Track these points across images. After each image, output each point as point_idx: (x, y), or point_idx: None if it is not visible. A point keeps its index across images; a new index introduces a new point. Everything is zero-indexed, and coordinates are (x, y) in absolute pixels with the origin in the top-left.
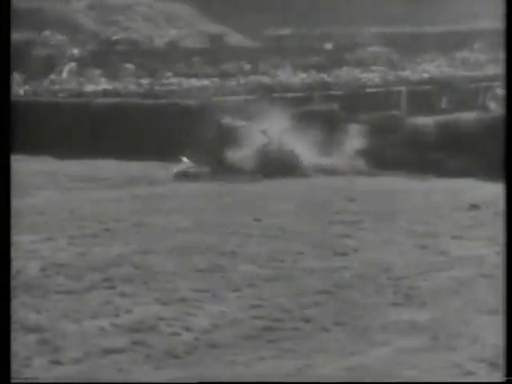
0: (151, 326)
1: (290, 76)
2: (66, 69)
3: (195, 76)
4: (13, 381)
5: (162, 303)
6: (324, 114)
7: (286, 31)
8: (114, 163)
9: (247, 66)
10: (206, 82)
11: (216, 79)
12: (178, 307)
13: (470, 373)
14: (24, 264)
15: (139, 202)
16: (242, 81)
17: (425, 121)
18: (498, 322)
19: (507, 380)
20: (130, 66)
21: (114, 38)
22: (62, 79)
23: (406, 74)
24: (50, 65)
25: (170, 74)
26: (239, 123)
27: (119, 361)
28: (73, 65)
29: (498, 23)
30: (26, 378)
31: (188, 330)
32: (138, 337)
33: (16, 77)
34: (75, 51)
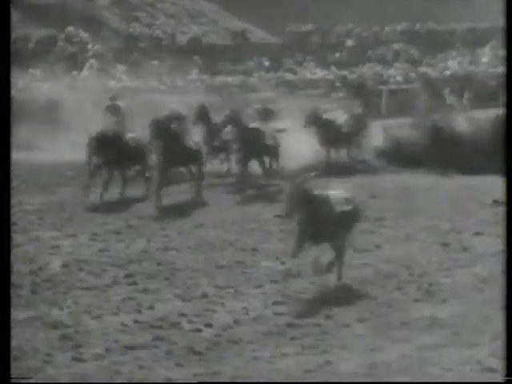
0: (173, 323)
1: (312, 72)
2: (87, 66)
3: (218, 73)
4: (13, 381)
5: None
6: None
7: (308, 27)
8: None
9: (269, 63)
10: (229, 79)
11: (239, 76)
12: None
13: (490, 369)
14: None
15: None
16: (265, 77)
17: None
18: None
19: (507, 380)
20: (152, 62)
21: (137, 34)
22: (83, 76)
23: (427, 70)
24: (74, 61)
25: (193, 70)
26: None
27: (140, 357)
28: (93, 61)
29: None
30: (25, 378)
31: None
32: (160, 333)
33: (37, 72)
34: (97, 47)
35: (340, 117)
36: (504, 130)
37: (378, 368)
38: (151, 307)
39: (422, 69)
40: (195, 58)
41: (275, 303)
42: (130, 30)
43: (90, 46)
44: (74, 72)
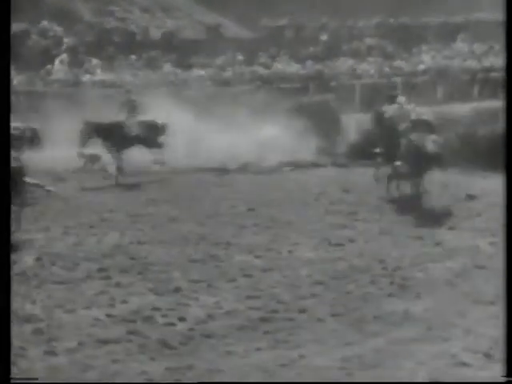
0: (146, 317)
1: (286, 67)
2: (59, 60)
3: (192, 67)
4: (12, 381)
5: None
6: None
7: (282, 22)
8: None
9: (243, 57)
10: (202, 73)
11: (213, 70)
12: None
13: (464, 364)
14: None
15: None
16: (239, 71)
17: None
18: (493, 312)
19: (507, 380)
20: (126, 56)
21: (111, 28)
22: (55, 70)
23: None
24: (48, 55)
25: (166, 64)
26: None
27: (114, 351)
28: (64, 56)
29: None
30: (26, 378)
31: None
32: (133, 327)
33: (12, 67)
34: (70, 42)
35: None
36: (504, 130)
37: (351, 362)
38: (124, 301)
39: (396, 63)
40: (169, 52)
41: (248, 297)
42: (104, 24)
43: (64, 40)
44: (48, 66)
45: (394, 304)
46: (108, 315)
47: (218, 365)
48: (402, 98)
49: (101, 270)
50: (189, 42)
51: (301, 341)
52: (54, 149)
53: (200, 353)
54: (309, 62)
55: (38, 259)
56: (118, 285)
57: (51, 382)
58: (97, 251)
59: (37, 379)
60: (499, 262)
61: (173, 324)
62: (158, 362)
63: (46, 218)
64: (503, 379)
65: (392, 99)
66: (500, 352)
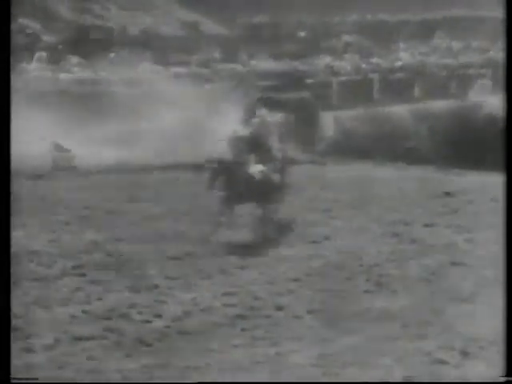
0: (122, 314)
1: (263, 64)
2: (36, 57)
3: (170, 64)
4: (12, 381)
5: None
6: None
7: (260, 19)
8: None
9: (221, 54)
10: (180, 70)
11: (191, 67)
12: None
13: (440, 361)
14: None
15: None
16: (217, 69)
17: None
18: (469, 310)
19: (507, 380)
20: (104, 54)
21: (89, 25)
22: (33, 68)
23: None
24: (26, 53)
25: (144, 62)
26: None
27: (90, 348)
28: (42, 53)
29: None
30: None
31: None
32: (109, 324)
33: None
34: (48, 39)
35: None
36: (504, 130)
37: (328, 359)
38: (100, 298)
39: (374, 60)
40: (147, 49)
41: (225, 294)
42: (82, 21)
43: (42, 37)
44: (24, 64)
45: (370, 301)
46: (84, 312)
47: (194, 362)
48: (262, 110)
49: (77, 267)
50: (167, 39)
51: (277, 338)
52: (29, 146)
53: (176, 350)
54: (286, 60)
55: (15, 256)
56: (94, 282)
57: (52, 381)
58: (73, 248)
59: (37, 379)
60: (475, 259)
61: (149, 321)
62: (135, 358)
63: (22, 215)
64: (503, 379)
65: (250, 113)
66: (476, 349)
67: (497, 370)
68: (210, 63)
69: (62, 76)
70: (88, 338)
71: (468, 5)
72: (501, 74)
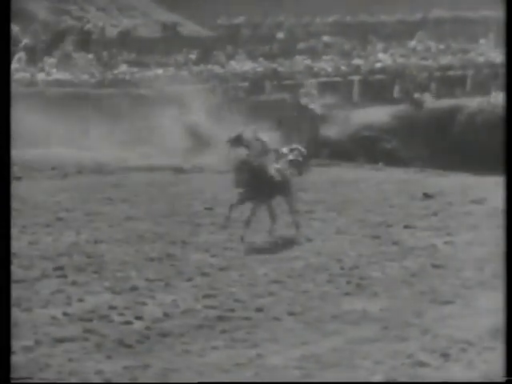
0: (103, 315)
1: (242, 65)
2: (16, 59)
3: (148, 65)
4: (12, 381)
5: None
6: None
7: (239, 20)
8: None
9: (199, 56)
10: (159, 72)
11: (169, 68)
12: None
13: (421, 363)
14: None
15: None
16: (195, 70)
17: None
18: (449, 312)
19: (507, 380)
20: (82, 55)
21: (67, 27)
22: (13, 69)
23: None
24: None
25: (122, 63)
26: None
27: (70, 350)
28: (22, 54)
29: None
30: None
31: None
32: (90, 326)
33: None
34: (26, 41)
35: None
36: (504, 130)
37: (308, 361)
38: (81, 300)
39: (354, 61)
40: (125, 50)
41: (205, 296)
42: (60, 22)
43: (21, 39)
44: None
45: (351, 303)
46: (64, 314)
47: (174, 364)
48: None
49: (57, 268)
50: (145, 40)
51: (258, 340)
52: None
53: (157, 352)
54: (265, 61)
55: None
56: (74, 283)
57: (51, 381)
58: (53, 250)
59: (36, 379)
60: (455, 261)
61: (129, 323)
62: (115, 360)
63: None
64: (503, 379)
65: (237, 142)
66: (457, 351)
67: (477, 372)
68: (189, 64)
69: (41, 76)
70: (68, 340)
71: (448, 6)
72: (480, 75)
